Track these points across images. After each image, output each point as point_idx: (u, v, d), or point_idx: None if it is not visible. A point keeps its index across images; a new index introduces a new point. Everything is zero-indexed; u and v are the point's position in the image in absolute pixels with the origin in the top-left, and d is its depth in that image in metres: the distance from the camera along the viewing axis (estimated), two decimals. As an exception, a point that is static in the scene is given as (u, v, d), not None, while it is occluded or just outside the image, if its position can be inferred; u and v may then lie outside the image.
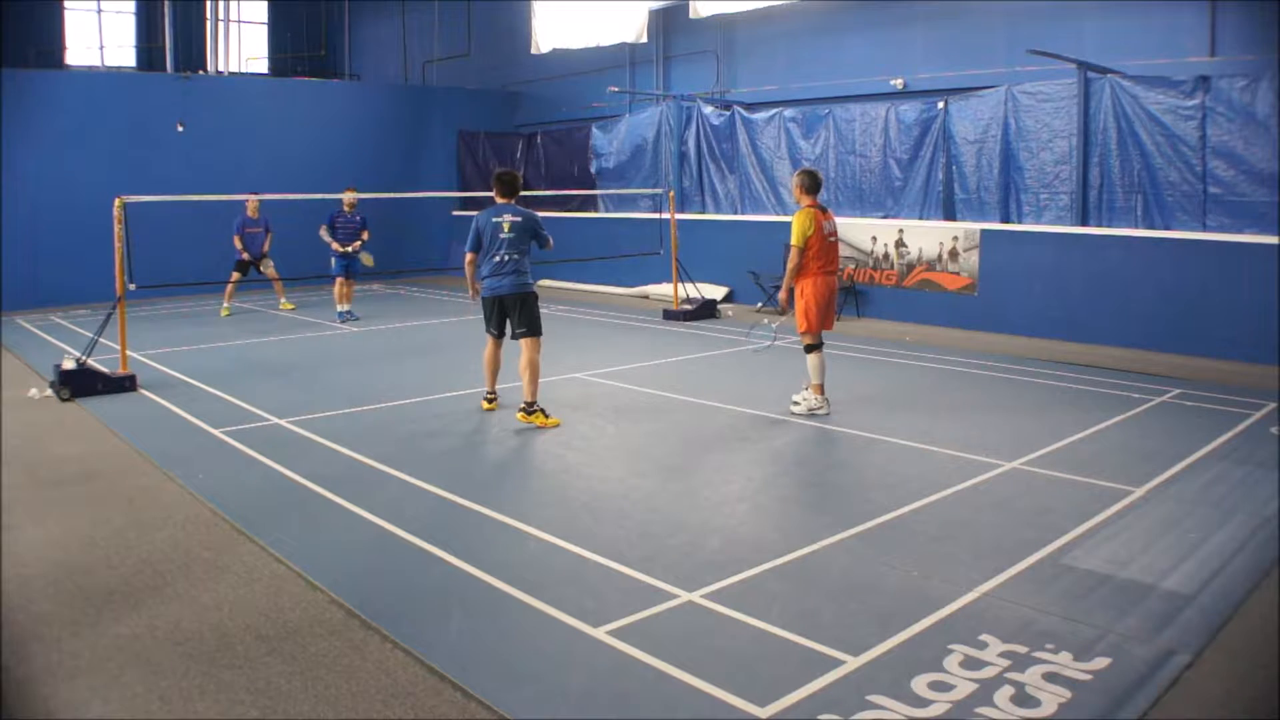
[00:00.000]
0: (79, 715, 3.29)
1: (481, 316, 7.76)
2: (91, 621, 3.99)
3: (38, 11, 20.28)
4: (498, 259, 7.33)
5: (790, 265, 7.34)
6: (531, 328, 7.40)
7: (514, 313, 7.39)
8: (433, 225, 19.31)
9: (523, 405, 7.34)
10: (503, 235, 7.34)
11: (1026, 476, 5.93)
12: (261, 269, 13.83)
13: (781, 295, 7.61)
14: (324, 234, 12.82)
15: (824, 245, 7.34)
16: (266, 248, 13.81)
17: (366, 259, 12.95)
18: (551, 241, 7.64)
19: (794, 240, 7.28)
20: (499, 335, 7.57)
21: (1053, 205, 11.86)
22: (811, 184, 7.40)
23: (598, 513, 5.38)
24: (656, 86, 17.39)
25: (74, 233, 14.65)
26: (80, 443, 6.93)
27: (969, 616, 3.96)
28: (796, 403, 7.50)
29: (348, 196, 12.91)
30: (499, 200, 7.53)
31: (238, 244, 13.56)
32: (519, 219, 7.39)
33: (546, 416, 7.28)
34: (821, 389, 7.45)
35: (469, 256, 7.52)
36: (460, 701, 3.36)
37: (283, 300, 14.49)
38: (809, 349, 7.44)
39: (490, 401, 7.82)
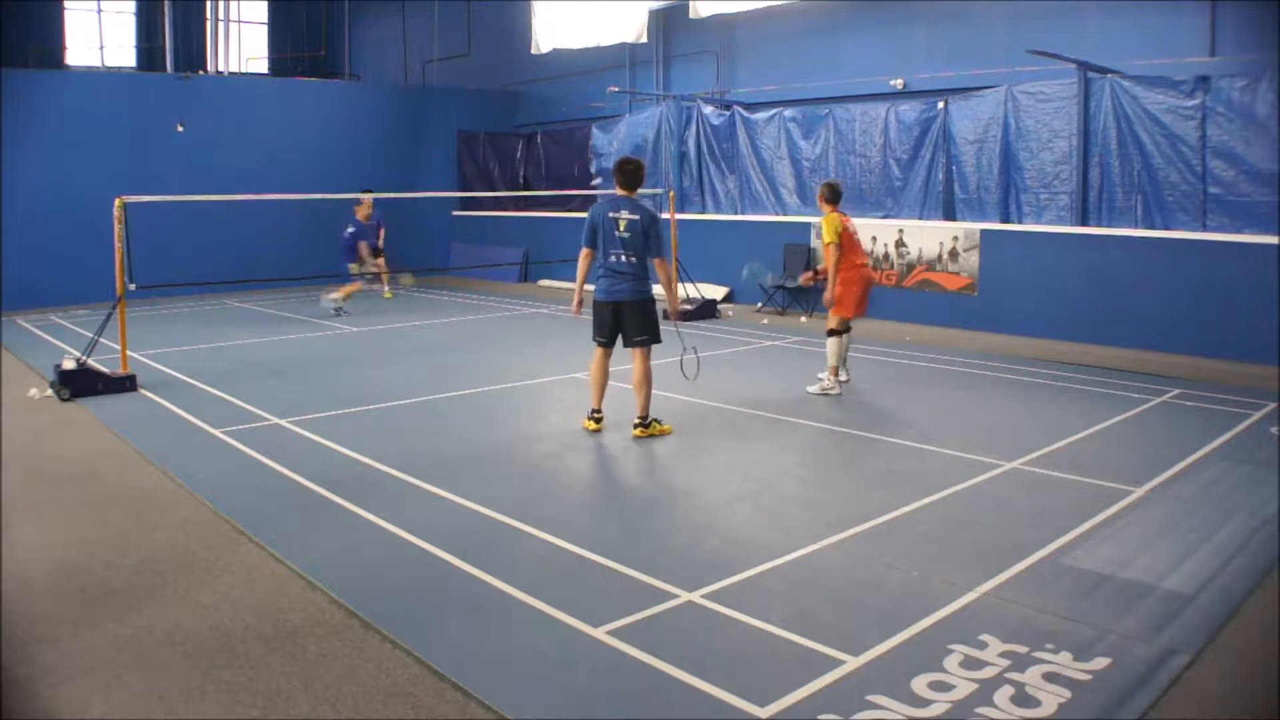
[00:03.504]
0: (79, 715, 3.29)
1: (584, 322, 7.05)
2: (91, 621, 3.98)
3: (38, 11, 20.30)
4: (614, 259, 6.65)
5: (831, 261, 8.12)
6: (653, 334, 6.80)
7: (632, 319, 6.73)
8: (433, 225, 19.33)
9: (637, 420, 6.87)
10: (618, 234, 6.62)
11: (1026, 476, 5.93)
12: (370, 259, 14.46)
13: (827, 296, 8.24)
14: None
15: (853, 241, 8.25)
16: (380, 243, 14.38)
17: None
18: (665, 255, 6.84)
19: (828, 238, 8.07)
20: (609, 344, 6.86)
21: (1053, 205, 11.86)
22: (831, 194, 8.26)
23: (598, 513, 5.38)
24: (656, 86, 17.39)
25: (74, 233, 14.65)
26: (80, 443, 6.93)
27: (969, 616, 3.96)
28: (814, 389, 8.15)
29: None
30: (620, 192, 6.77)
31: (363, 251, 14.01)
32: (636, 217, 6.63)
33: (661, 424, 6.94)
34: (837, 371, 8.14)
35: (584, 251, 6.78)
36: (460, 701, 3.36)
37: (386, 289, 15.59)
38: (832, 333, 8.15)
39: (597, 421, 7.01)
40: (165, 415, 7.70)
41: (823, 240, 8.17)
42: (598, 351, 6.96)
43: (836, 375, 8.17)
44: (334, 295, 13.57)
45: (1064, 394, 8.36)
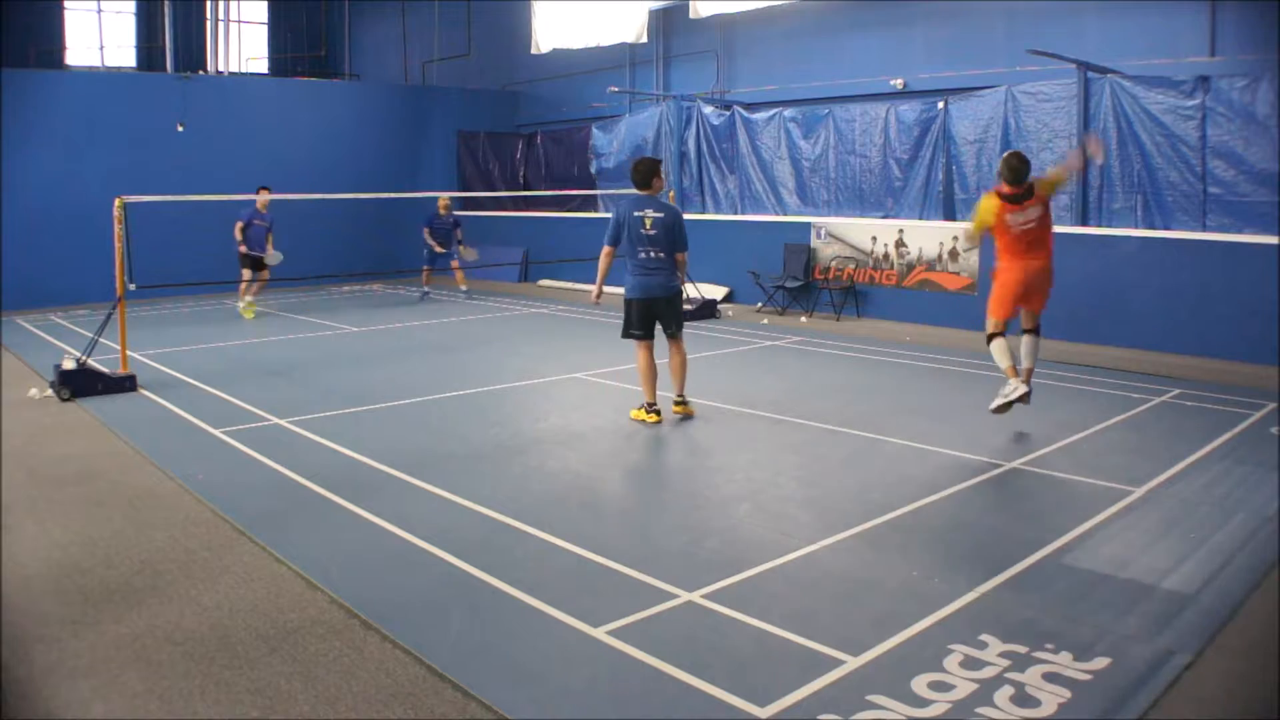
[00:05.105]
0: (79, 715, 3.29)
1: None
2: (91, 621, 3.98)
3: (38, 11, 20.29)
4: (644, 256, 6.98)
5: (965, 232, 7.10)
6: (681, 325, 7.32)
7: (665, 313, 7.15)
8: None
9: (677, 399, 7.39)
10: (644, 231, 6.94)
11: (1026, 476, 5.93)
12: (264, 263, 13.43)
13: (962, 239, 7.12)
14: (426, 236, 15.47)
15: (1012, 236, 6.79)
16: (269, 248, 13.45)
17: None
18: (687, 250, 7.21)
19: (973, 224, 6.98)
20: (649, 336, 7.17)
21: (1053, 205, 11.83)
22: (1004, 171, 6.70)
23: (598, 513, 5.38)
24: (656, 86, 17.40)
25: (74, 233, 14.65)
26: (80, 443, 6.93)
27: (969, 616, 3.96)
28: (993, 406, 6.90)
29: (444, 199, 15.52)
30: (640, 192, 7.09)
31: (238, 234, 13.06)
32: (661, 215, 6.98)
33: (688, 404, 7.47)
34: (1015, 370, 6.83)
35: (606, 250, 7.08)
36: (460, 701, 3.36)
37: (244, 302, 13.59)
38: (990, 337, 6.97)
39: (656, 414, 7.18)
40: (165, 415, 7.70)
41: (969, 224, 6.98)
42: (641, 347, 7.21)
43: (1016, 374, 6.81)
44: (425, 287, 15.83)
45: (1064, 394, 8.35)
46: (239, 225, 13.14)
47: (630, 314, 7.17)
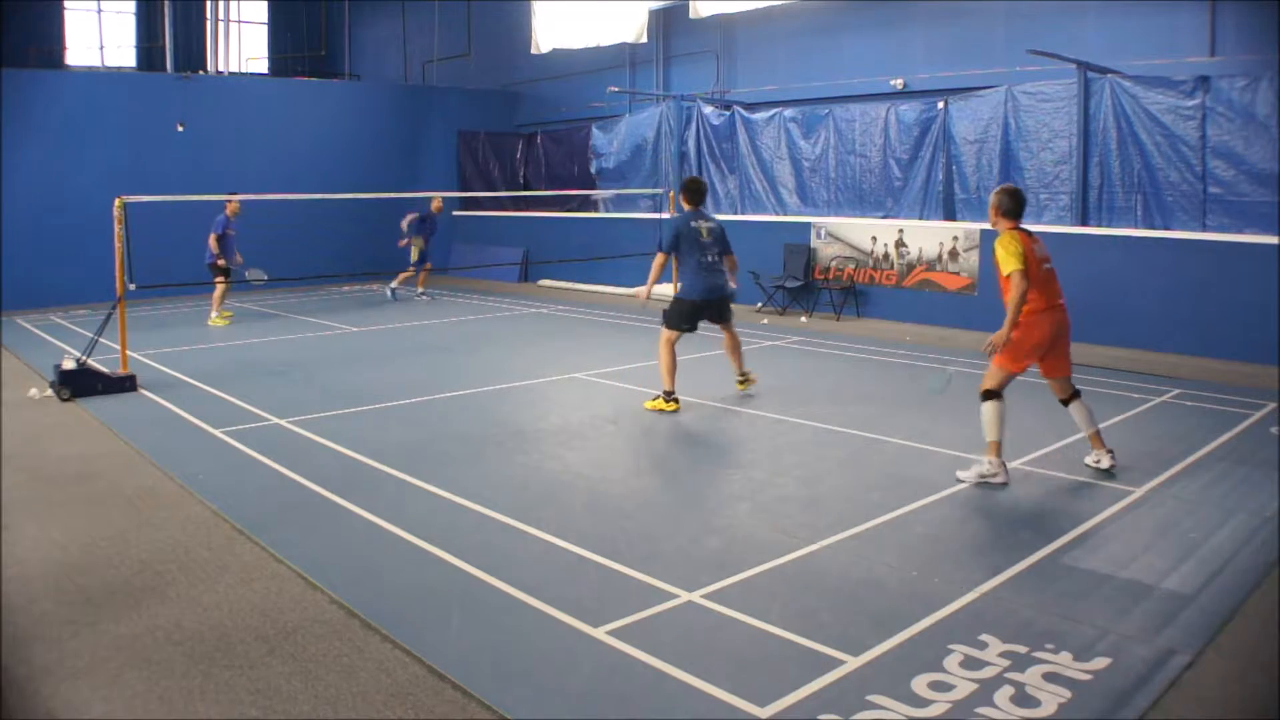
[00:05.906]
0: (79, 715, 3.29)
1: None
2: (91, 621, 3.98)
3: (38, 11, 20.31)
4: (704, 261, 7.74)
5: (1014, 297, 5.62)
6: (731, 315, 8.10)
7: (718, 309, 7.89)
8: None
9: (741, 376, 8.20)
10: (703, 240, 7.75)
11: (1026, 476, 5.93)
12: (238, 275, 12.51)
13: (1001, 336, 5.71)
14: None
15: (1040, 273, 5.75)
16: (238, 256, 12.69)
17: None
18: (735, 257, 8.03)
19: (1006, 267, 5.64)
20: (689, 331, 7.84)
21: (1053, 205, 11.86)
22: (1011, 205, 5.85)
23: (598, 513, 5.38)
24: (656, 86, 17.40)
25: (74, 233, 14.66)
26: (80, 443, 6.93)
27: (969, 616, 3.96)
28: (966, 475, 5.78)
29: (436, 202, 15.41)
30: (688, 207, 7.93)
31: (215, 246, 12.40)
32: (712, 224, 7.89)
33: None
34: (998, 448, 5.72)
35: (661, 257, 7.82)
36: (460, 701, 3.36)
37: (216, 313, 12.94)
38: (988, 394, 5.78)
39: (675, 402, 7.66)
40: (165, 415, 7.70)
41: (999, 272, 5.72)
42: (675, 338, 7.71)
43: (999, 454, 5.72)
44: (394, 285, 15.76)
45: (1064, 394, 8.34)
46: (214, 237, 12.40)
47: (684, 311, 7.77)
